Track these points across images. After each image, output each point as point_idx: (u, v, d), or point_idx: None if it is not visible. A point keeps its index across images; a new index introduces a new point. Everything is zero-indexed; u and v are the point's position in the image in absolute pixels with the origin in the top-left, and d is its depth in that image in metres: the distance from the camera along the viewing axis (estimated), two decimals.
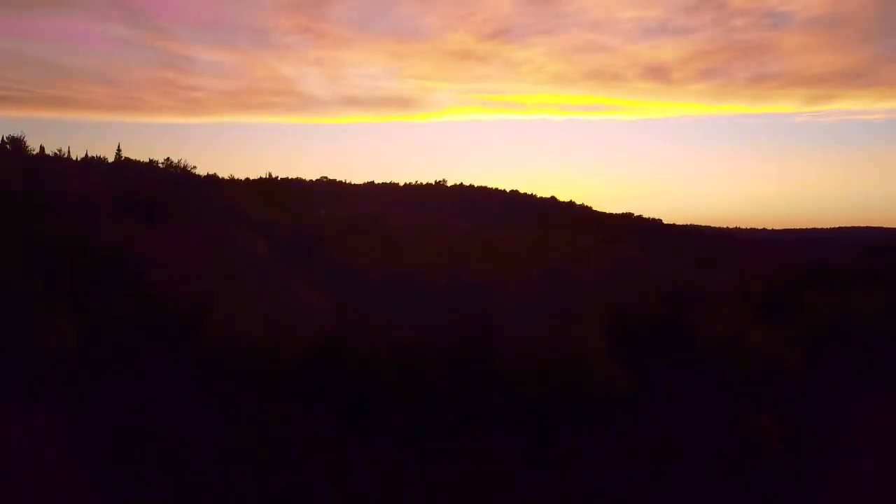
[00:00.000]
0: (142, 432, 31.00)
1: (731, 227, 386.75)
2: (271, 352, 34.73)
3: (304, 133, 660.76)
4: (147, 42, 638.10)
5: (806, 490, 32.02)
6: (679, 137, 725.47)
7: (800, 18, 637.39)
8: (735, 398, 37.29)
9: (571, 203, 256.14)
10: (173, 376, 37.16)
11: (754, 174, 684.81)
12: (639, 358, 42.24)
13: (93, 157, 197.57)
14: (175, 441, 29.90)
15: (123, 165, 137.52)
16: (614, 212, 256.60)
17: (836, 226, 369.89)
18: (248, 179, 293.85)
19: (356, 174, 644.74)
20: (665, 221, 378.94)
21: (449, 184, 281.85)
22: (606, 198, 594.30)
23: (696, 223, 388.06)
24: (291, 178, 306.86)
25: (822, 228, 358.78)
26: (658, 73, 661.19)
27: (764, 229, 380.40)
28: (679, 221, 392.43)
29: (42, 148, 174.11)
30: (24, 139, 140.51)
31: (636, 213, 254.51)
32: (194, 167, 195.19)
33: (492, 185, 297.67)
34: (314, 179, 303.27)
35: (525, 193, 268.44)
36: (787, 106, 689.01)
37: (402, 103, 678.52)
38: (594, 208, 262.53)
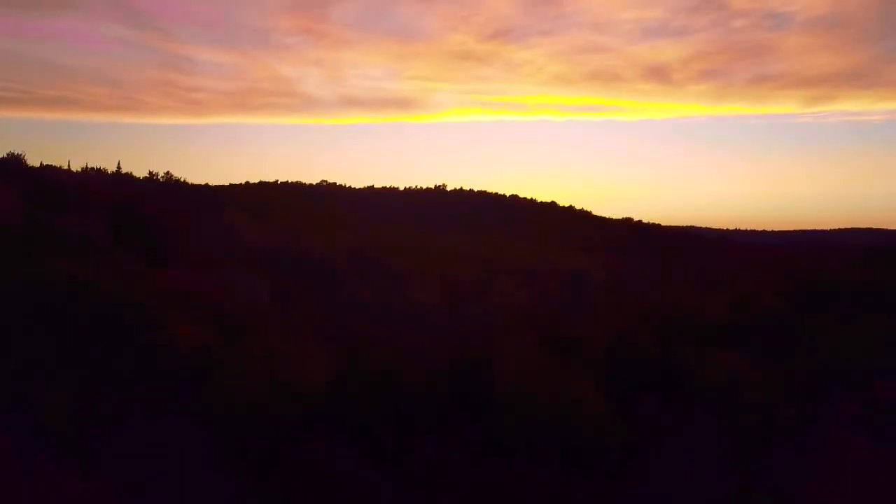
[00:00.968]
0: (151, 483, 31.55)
1: (731, 228, 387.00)
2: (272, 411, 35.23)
3: (305, 134, 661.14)
4: (148, 43, 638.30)
5: None
6: (679, 138, 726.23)
7: (800, 19, 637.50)
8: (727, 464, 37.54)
9: (571, 208, 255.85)
10: (176, 426, 37.58)
11: (754, 175, 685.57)
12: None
13: (92, 168, 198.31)
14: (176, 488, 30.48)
15: (124, 180, 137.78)
16: (614, 216, 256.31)
17: (837, 227, 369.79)
18: (247, 184, 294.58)
19: (356, 175, 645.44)
20: (665, 224, 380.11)
21: (449, 188, 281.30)
22: (607, 198, 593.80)
23: (696, 224, 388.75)
24: (291, 182, 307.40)
25: (822, 230, 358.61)
26: (658, 74, 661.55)
27: (764, 231, 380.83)
28: (679, 223, 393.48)
29: (42, 164, 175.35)
30: (24, 156, 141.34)
31: (636, 218, 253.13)
32: (186, 182, 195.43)
33: (492, 187, 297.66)
34: (314, 183, 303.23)
35: (525, 198, 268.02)
36: (788, 107, 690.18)
37: (403, 104, 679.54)
38: (594, 213, 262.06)
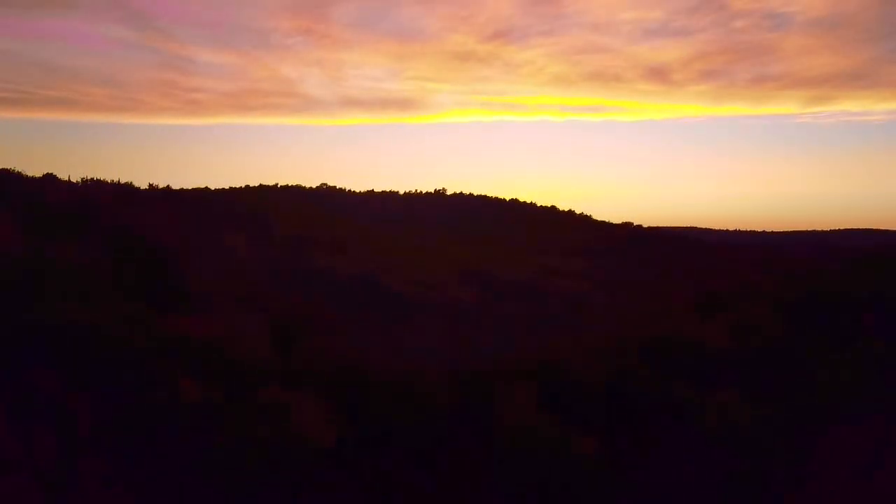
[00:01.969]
0: None
1: (731, 228, 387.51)
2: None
3: (305, 134, 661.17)
4: (148, 43, 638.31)
5: None
6: (679, 138, 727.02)
7: (800, 20, 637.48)
8: None
9: (571, 212, 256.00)
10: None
11: (754, 175, 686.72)
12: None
13: (92, 179, 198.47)
14: None
15: (125, 192, 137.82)
16: (614, 220, 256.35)
17: (836, 227, 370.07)
18: (247, 187, 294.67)
19: (357, 175, 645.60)
20: (666, 224, 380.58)
21: (449, 192, 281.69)
22: (606, 198, 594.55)
23: (696, 225, 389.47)
24: (291, 185, 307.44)
25: (822, 230, 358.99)
26: (659, 75, 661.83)
27: (764, 231, 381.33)
28: (679, 223, 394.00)
29: (42, 175, 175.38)
30: (21, 171, 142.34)
31: (637, 219, 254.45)
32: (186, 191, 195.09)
33: (493, 189, 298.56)
34: (314, 187, 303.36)
35: (525, 203, 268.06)
36: (788, 107, 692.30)
37: (403, 104, 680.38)
38: (594, 217, 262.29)
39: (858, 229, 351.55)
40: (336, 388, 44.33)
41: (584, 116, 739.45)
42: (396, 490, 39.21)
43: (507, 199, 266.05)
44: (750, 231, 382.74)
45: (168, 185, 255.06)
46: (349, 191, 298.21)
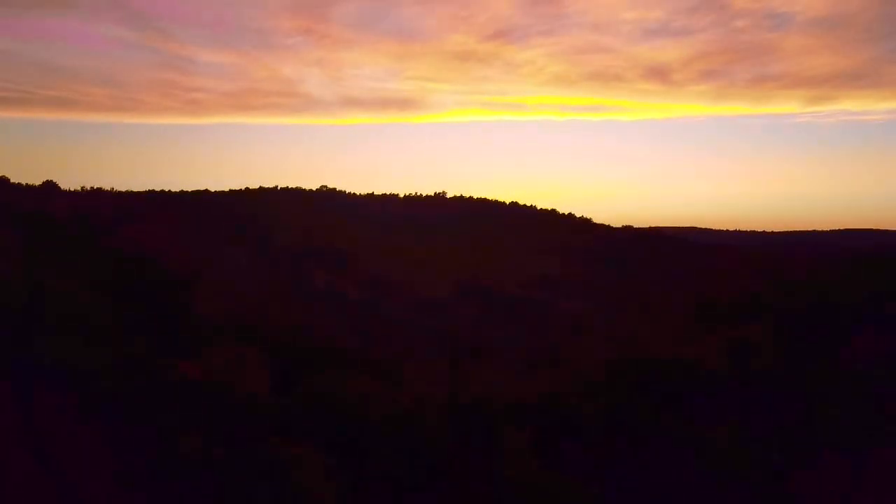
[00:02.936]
0: None
1: (731, 229, 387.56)
2: None
3: (305, 134, 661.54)
4: (148, 43, 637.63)
5: None
6: (680, 138, 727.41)
7: (801, 19, 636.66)
8: None
9: (571, 216, 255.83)
10: None
11: (755, 175, 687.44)
12: None
13: (91, 188, 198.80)
14: None
15: (124, 204, 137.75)
16: (614, 223, 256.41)
17: (837, 227, 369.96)
18: (247, 190, 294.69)
19: (357, 175, 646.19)
20: (666, 224, 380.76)
21: (449, 194, 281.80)
22: (607, 197, 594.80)
23: (696, 225, 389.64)
24: (291, 188, 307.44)
25: (821, 231, 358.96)
26: (659, 74, 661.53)
27: (763, 232, 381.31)
28: (679, 223, 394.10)
29: (41, 185, 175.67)
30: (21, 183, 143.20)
31: (637, 220, 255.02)
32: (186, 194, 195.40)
33: (493, 189, 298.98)
34: (314, 189, 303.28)
35: (524, 206, 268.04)
36: (788, 107, 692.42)
37: (404, 104, 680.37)
38: (595, 220, 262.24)
39: (859, 229, 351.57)
40: (336, 436, 44.36)
41: (584, 116, 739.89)
42: None
43: (508, 203, 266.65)
44: (750, 231, 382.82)
45: (168, 190, 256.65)
46: (349, 193, 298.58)
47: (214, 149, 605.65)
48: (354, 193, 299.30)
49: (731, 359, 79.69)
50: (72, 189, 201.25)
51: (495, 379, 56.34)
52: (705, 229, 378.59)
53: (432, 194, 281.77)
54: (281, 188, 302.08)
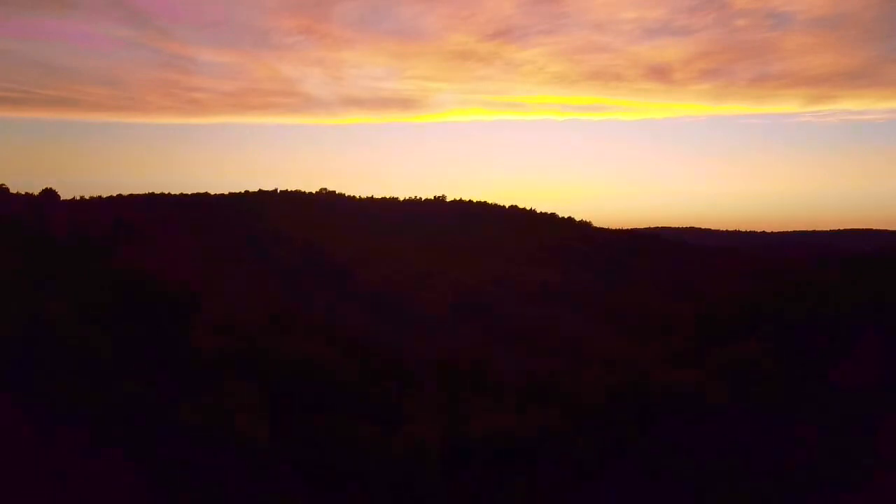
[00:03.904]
0: None
1: (731, 229, 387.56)
2: None
3: (305, 134, 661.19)
4: (148, 43, 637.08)
5: None
6: (680, 138, 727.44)
7: (802, 19, 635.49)
8: None
9: (571, 220, 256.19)
10: None
11: (755, 175, 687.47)
12: None
13: (90, 199, 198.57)
14: None
15: (123, 217, 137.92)
16: (614, 222, 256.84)
17: (837, 227, 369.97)
18: (246, 193, 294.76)
19: (357, 174, 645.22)
20: (666, 224, 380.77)
21: (449, 198, 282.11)
22: (607, 197, 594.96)
23: (696, 225, 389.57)
24: (291, 191, 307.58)
25: (822, 231, 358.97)
26: (660, 74, 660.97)
27: (764, 232, 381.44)
28: (679, 223, 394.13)
29: (40, 194, 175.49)
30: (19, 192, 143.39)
31: (637, 220, 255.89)
32: (186, 196, 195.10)
33: (493, 193, 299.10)
34: (313, 192, 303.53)
35: (524, 209, 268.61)
36: (789, 106, 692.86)
37: (404, 104, 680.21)
38: (594, 224, 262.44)
39: (859, 229, 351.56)
40: (334, 483, 44.55)
41: (584, 116, 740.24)
42: None
43: (507, 207, 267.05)
44: (749, 231, 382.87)
45: (168, 193, 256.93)
46: (349, 197, 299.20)
47: (214, 148, 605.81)
48: (354, 197, 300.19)
49: (731, 383, 79.69)
50: (71, 197, 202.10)
51: (495, 413, 56.37)
52: (705, 229, 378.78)
53: (432, 198, 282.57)
54: (280, 191, 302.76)
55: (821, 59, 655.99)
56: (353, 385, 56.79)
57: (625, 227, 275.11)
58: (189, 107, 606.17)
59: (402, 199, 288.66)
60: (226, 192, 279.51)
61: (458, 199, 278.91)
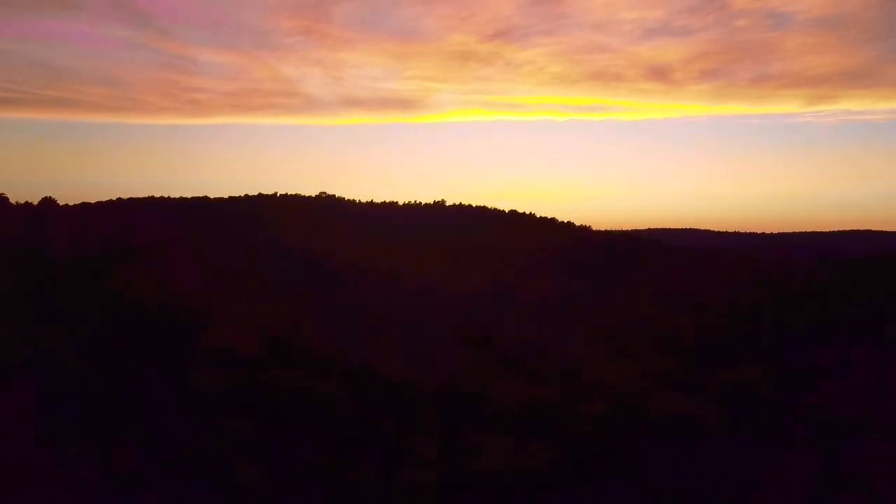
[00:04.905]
0: None
1: (731, 230, 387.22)
2: None
3: (305, 134, 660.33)
4: (148, 43, 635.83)
5: None
6: (680, 138, 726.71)
7: (802, 19, 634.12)
8: None
9: (570, 224, 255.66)
10: None
11: (755, 175, 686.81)
12: None
13: (93, 204, 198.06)
14: None
15: (125, 222, 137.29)
16: (614, 223, 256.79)
17: (838, 228, 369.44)
18: (246, 197, 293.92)
19: (357, 174, 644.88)
20: (666, 226, 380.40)
21: (448, 202, 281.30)
22: (607, 197, 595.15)
23: (695, 226, 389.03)
24: (290, 194, 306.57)
25: (822, 231, 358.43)
26: (660, 74, 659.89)
27: (763, 233, 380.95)
28: (679, 224, 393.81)
29: (39, 203, 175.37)
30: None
31: (637, 222, 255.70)
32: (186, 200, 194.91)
33: (492, 196, 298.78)
34: (313, 196, 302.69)
35: (523, 213, 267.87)
36: (789, 106, 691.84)
37: (404, 104, 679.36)
38: (594, 228, 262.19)
39: (859, 230, 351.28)
40: None
41: (585, 116, 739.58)
42: None
43: (507, 211, 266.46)
44: (750, 232, 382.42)
45: (167, 196, 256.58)
46: (349, 200, 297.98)
47: (215, 148, 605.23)
48: (354, 201, 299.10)
49: (729, 408, 79.84)
50: (70, 202, 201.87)
51: (495, 447, 56.52)
52: (705, 230, 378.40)
53: (431, 203, 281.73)
54: (280, 195, 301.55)
55: (821, 59, 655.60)
56: (352, 420, 56.87)
57: (625, 228, 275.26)
58: (189, 107, 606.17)
59: (401, 203, 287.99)
60: (225, 196, 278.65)
61: (457, 203, 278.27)
